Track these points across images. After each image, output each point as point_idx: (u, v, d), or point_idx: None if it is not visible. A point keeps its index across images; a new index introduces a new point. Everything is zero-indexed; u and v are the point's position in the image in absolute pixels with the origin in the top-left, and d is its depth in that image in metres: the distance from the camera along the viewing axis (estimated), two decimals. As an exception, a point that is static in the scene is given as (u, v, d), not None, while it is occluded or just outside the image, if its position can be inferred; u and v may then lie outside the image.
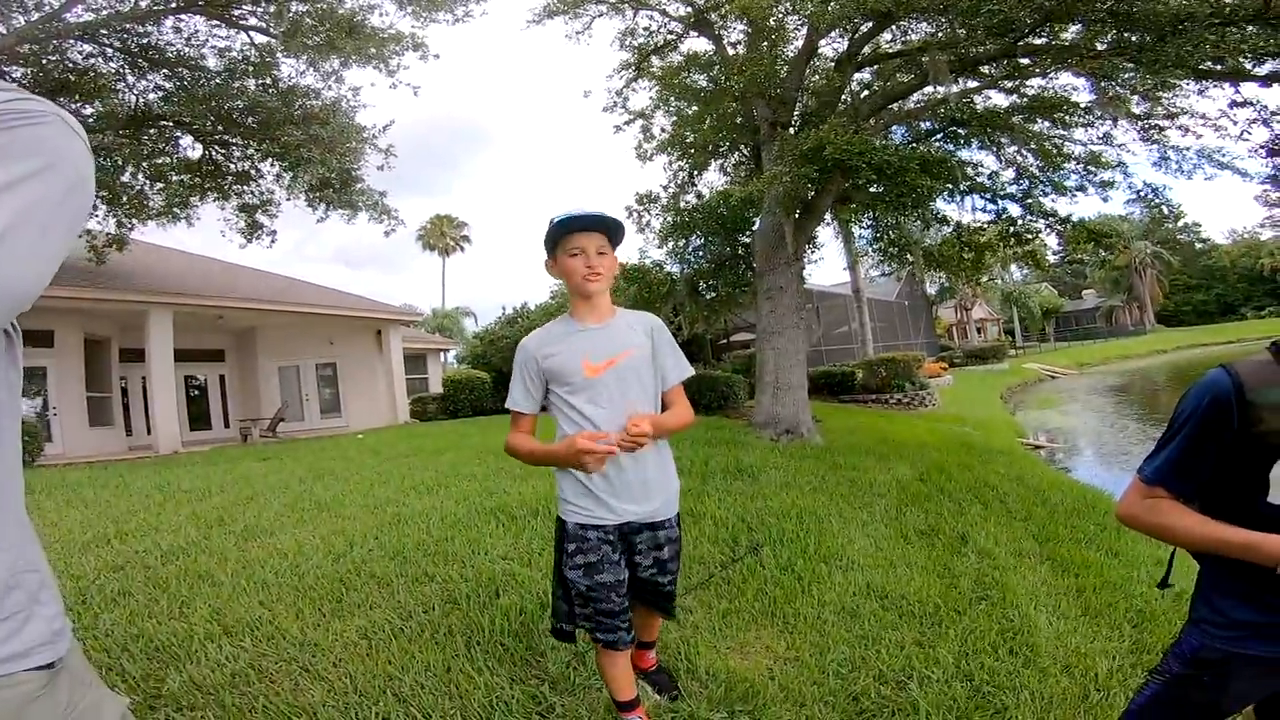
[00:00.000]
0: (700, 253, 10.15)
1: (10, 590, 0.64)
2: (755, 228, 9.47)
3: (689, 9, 9.87)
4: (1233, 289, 55.98)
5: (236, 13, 9.68)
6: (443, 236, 53.09)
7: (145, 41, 9.65)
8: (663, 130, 10.86)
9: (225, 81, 9.77)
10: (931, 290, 32.94)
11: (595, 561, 1.78)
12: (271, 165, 10.94)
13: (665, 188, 10.81)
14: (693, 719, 2.12)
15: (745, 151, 10.68)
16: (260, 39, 10.17)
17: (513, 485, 5.78)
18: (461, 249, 55.21)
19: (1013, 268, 40.23)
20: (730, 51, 9.55)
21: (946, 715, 2.14)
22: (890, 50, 9.03)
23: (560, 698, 2.27)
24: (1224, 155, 8.75)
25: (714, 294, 10.63)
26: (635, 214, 10.15)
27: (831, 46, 9.50)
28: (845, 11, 7.41)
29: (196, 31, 10.02)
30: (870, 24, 8.29)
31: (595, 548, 1.78)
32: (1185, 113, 8.60)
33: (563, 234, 1.76)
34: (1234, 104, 8.17)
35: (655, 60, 10.57)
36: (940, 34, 8.02)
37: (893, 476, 6.08)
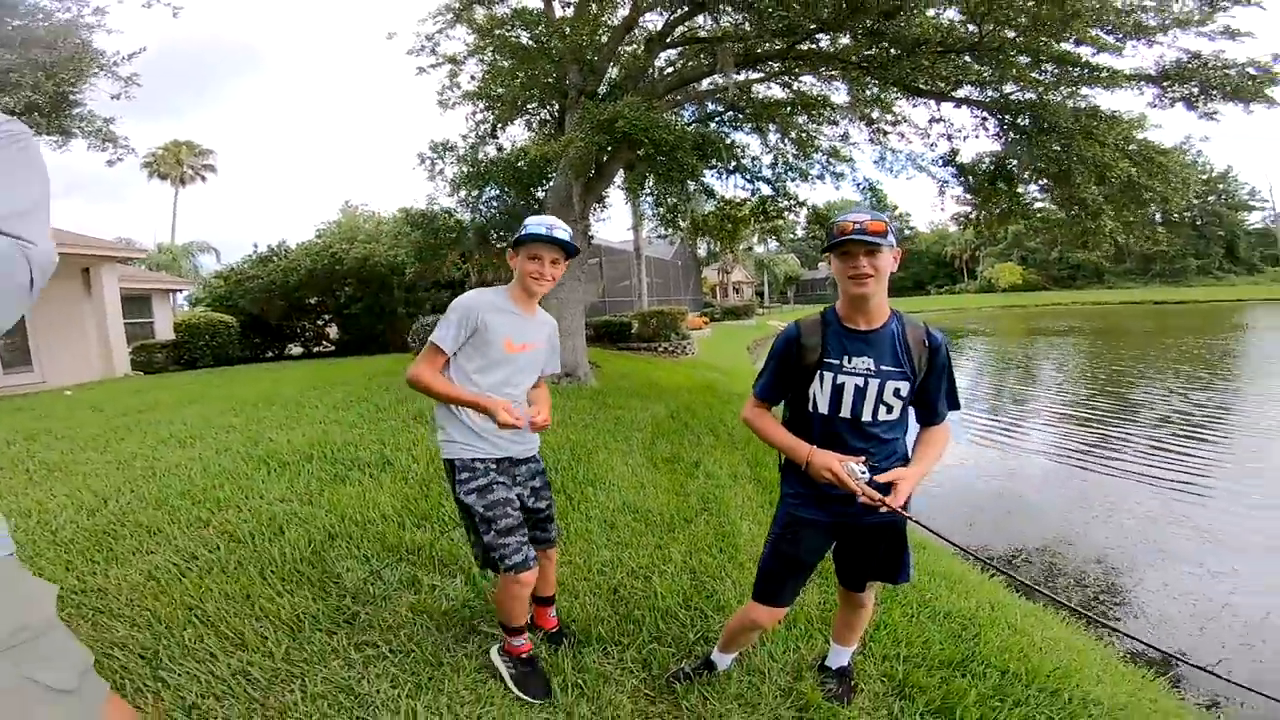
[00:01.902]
0: (494, 203, 10.18)
1: None
2: (550, 183, 9.81)
3: None
4: (924, 269, 70.18)
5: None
6: (178, 165, 44.13)
7: None
8: (472, 79, 10.50)
9: None
10: (702, 252, 36.35)
11: (485, 484, 2.08)
12: None
13: (465, 137, 10.54)
14: (488, 611, 2.59)
15: (551, 111, 10.84)
16: None
17: (279, 434, 5.70)
18: (203, 178, 46.47)
19: (768, 239, 45.82)
20: (558, 13, 9.56)
21: (676, 598, 2.84)
22: (696, 35, 9.77)
23: (362, 607, 2.62)
24: (922, 160, 11.27)
25: (504, 244, 10.82)
26: (429, 160, 9.82)
27: (650, 24, 9.95)
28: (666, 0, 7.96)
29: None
30: (686, 8, 8.96)
31: (484, 474, 2.09)
32: (905, 121, 10.81)
33: (530, 241, 2.05)
34: (932, 120, 10.54)
35: (479, 9, 10.12)
36: (737, 28, 8.94)
37: (650, 414, 7.14)
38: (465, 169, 9.51)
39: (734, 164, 10.84)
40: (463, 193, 9.60)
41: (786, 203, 11.24)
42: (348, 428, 5.80)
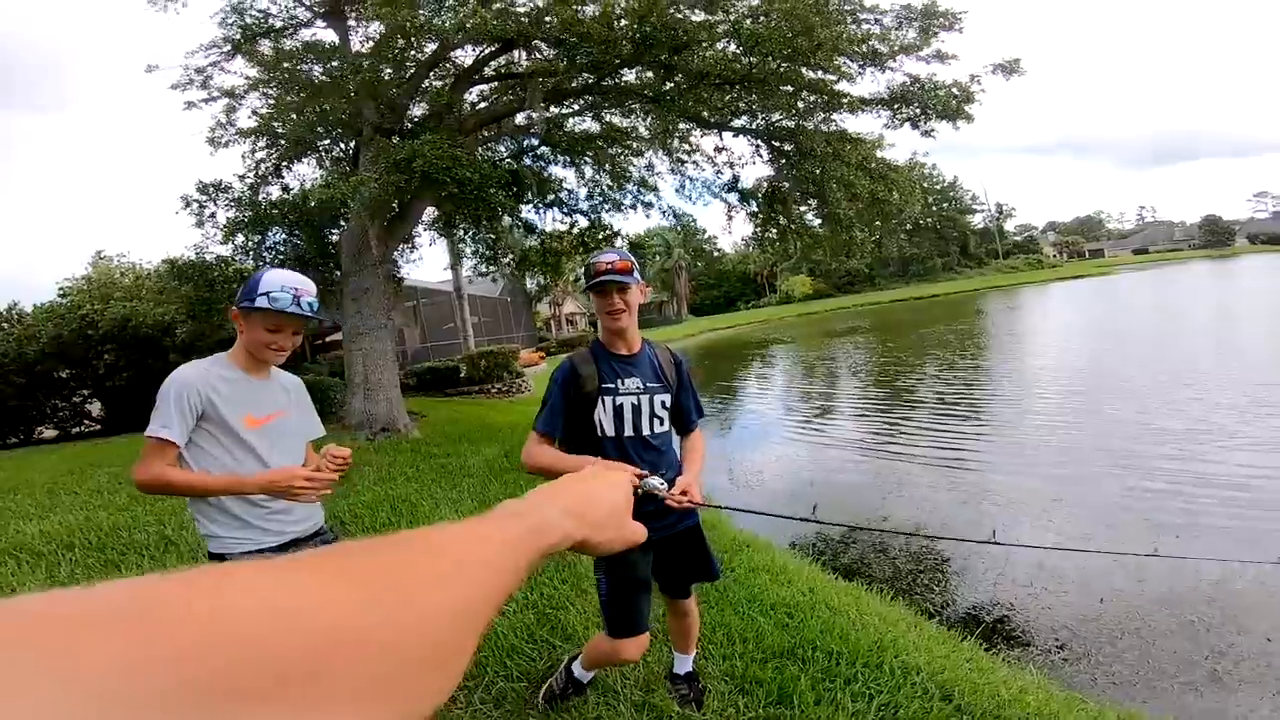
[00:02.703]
0: (281, 248, 9.19)
1: None
2: (346, 226, 9.15)
3: None
4: (734, 287, 76.39)
5: None
6: None
7: None
8: (253, 114, 9.53)
9: None
10: (532, 287, 36.19)
11: None
12: None
13: (242, 177, 9.48)
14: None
15: (345, 149, 10.13)
16: None
17: (28, 524, 4.88)
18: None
19: (591, 268, 47.11)
20: (356, 48, 9.02)
21: (520, 635, 2.77)
22: (509, 71, 9.78)
23: None
24: (714, 186, 12.30)
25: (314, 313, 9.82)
26: (195, 204, 8.62)
27: (461, 59, 9.78)
28: (474, 34, 7.84)
29: None
30: (497, 46, 8.89)
31: None
32: (697, 150, 11.79)
33: (272, 312, 1.76)
34: (717, 148, 11.58)
35: (265, 41, 9.21)
36: (548, 63, 9.08)
37: (482, 457, 6.86)
38: (243, 213, 8.51)
39: (550, 197, 11.00)
40: (240, 238, 8.57)
41: (604, 233, 11.61)
42: (116, 511, 5.02)
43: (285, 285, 1.75)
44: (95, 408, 16.66)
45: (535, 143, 11.18)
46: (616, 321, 2.01)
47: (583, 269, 2.12)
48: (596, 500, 0.54)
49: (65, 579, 3.63)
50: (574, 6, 7.97)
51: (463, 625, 0.32)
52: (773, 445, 9.03)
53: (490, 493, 5.40)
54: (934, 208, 66.48)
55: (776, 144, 10.35)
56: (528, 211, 11.51)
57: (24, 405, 15.49)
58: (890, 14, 8.95)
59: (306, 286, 1.81)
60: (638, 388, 2.03)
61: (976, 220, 75.99)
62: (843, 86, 9.23)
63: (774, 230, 11.75)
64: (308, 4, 9.50)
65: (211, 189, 8.77)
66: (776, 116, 9.98)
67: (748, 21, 8.24)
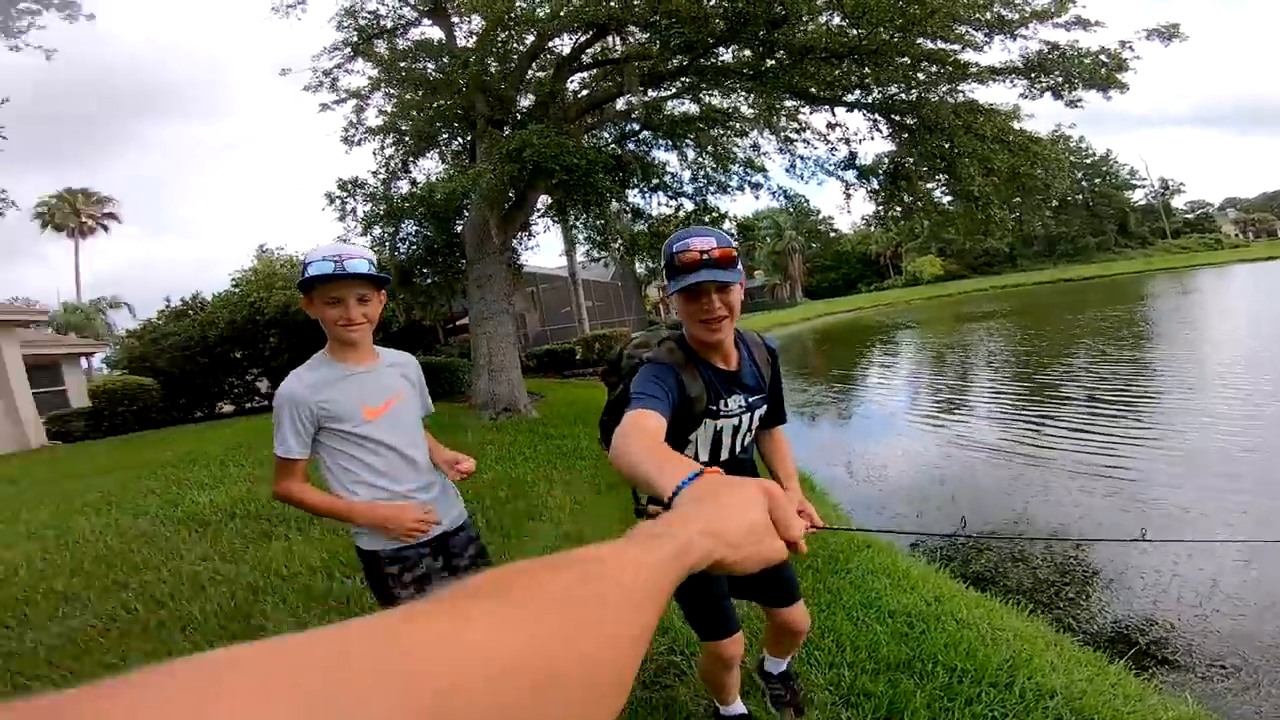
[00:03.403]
0: (413, 240, 9.93)
1: None
2: (466, 217, 9.69)
3: None
4: (853, 269, 72.85)
5: None
6: (75, 215, 41.63)
7: None
8: (380, 113, 10.29)
9: None
10: (641, 271, 36.57)
11: (424, 574, 1.82)
12: None
13: (375, 173, 10.31)
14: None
15: (464, 142, 10.68)
16: None
17: (201, 494, 5.63)
18: (104, 228, 43.98)
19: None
20: (461, 44, 9.46)
21: None
22: (605, 57, 9.91)
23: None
24: (828, 165, 11.72)
25: (429, 281, 10.53)
26: (338, 200, 9.50)
27: (560, 48, 10.02)
28: (568, 22, 8.05)
29: None
30: (592, 32, 9.03)
31: (418, 562, 1.81)
32: (807, 128, 11.28)
33: (320, 284, 1.67)
34: (829, 125, 10.99)
35: (380, 42, 9.93)
36: (642, 46, 9.12)
37: (594, 441, 7.00)
38: (378, 207, 9.25)
39: (654, 181, 10.98)
40: (376, 230, 9.33)
41: (709, 217, 11.43)
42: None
43: (326, 255, 1.68)
44: (264, 385, 18.95)
45: (636, 127, 11.16)
46: (717, 333, 1.52)
47: (664, 253, 1.58)
48: (734, 520, 0.53)
49: (224, 547, 4.10)
50: None
51: (636, 651, 0.33)
52: (897, 439, 8.46)
53: (601, 476, 5.49)
54: (1084, 183, 59.37)
55: (896, 118, 9.64)
56: (634, 196, 11.57)
57: (207, 383, 17.93)
58: None
59: (350, 250, 1.69)
60: (740, 407, 1.67)
61: (1137, 197, 67.00)
62: (968, 56, 8.42)
63: (898, 208, 11.02)
64: (412, 3, 9.98)
65: (350, 185, 9.60)
66: (894, 89, 9.28)
67: None
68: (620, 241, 12.20)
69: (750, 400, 1.69)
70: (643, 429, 1.22)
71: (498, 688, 0.24)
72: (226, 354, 17.39)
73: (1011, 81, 8.93)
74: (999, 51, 8.80)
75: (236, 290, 17.19)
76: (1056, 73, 8.40)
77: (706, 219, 11.42)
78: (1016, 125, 9.21)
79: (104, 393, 15.20)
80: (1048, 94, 8.68)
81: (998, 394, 10.65)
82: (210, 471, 6.76)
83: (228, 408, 19.00)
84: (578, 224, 12.22)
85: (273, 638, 0.21)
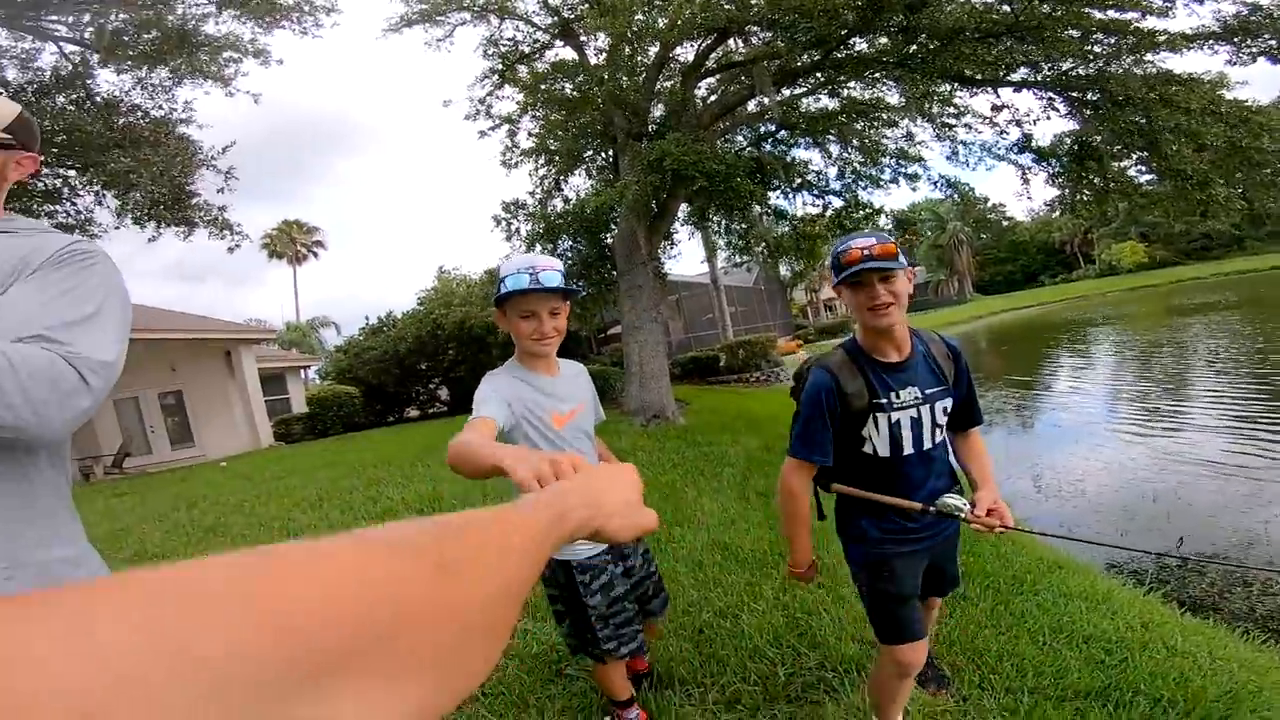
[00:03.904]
0: (569, 254, 10.57)
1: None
2: (615, 230, 10.12)
3: (555, 19, 10.17)
4: (1033, 260, 65.26)
5: (45, 23, 8.71)
6: (292, 243, 49.49)
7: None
8: (529, 135, 11.03)
9: (32, 97, 8.73)
10: (786, 274, 35.69)
11: (608, 581, 1.90)
12: (91, 184, 9.94)
13: (532, 193, 11.05)
14: (569, 655, 2.63)
15: (606, 157, 11.18)
16: (71, 49, 9.16)
17: (395, 492, 6.26)
18: (314, 255, 51.81)
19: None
20: (594, 60, 9.94)
21: (766, 636, 2.70)
22: (730, 60, 9.89)
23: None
24: (998, 149, 10.65)
25: (584, 293, 11.13)
26: (504, 222, 10.39)
27: (683, 57, 10.18)
28: (686, 30, 8.19)
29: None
30: (713, 37, 9.12)
31: (603, 569, 1.90)
32: (968, 111, 10.37)
33: (518, 297, 1.72)
34: (994, 107, 10.00)
35: (521, 68, 10.70)
36: (769, 45, 8.97)
37: (741, 448, 6.97)
38: (538, 225, 9.95)
39: (797, 181, 10.68)
40: (538, 248, 10.04)
41: (862, 212, 10.88)
42: (456, 484, 6.17)
43: (520, 267, 1.71)
44: (444, 393, 21.11)
45: (773, 128, 10.91)
46: (885, 317, 1.63)
47: (829, 259, 1.72)
48: (611, 493, 0.59)
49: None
50: None
51: (511, 602, 0.35)
52: (1096, 450, 7.41)
53: (750, 484, 5.45)
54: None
55: (1075, 95, 8.51)
56: (776, 197, 11.29)
57: (399, 391, 20.37)
58: None
59: (543, 263, 1.73)
60: (915, 398, 1.70)
61: None
62: (1150, 23, 7.26)
63: (1087, 192, 9.71)
64: (544, 26, 10.50)
65: (512, 206, 10.43)
66: (1068, 64, 8.21)
67: None
68: (764, 245, 12.03)
69: (927, 393, 1.71)
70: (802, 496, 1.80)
71: (345, 613, 0.24)
72: (414, 365, 19.61)
73: (1212, 48, 7.60)
74: (1186, 16, 7.45)
75: (421, 308, 19.33)
76: (1267, 35, 7.04)
77: (859, 214, 10.90)
78: (1228, 95, 7.78)
79: (317, 400, 17.83)
80: (1261, 58, 7.30)
81: (1221, 399, 8.98)
82: (402, 472, 7.57)
83: (413, 413, 21.41)
84: (719, 230, 12.26)
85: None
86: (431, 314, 18.50)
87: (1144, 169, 9.21)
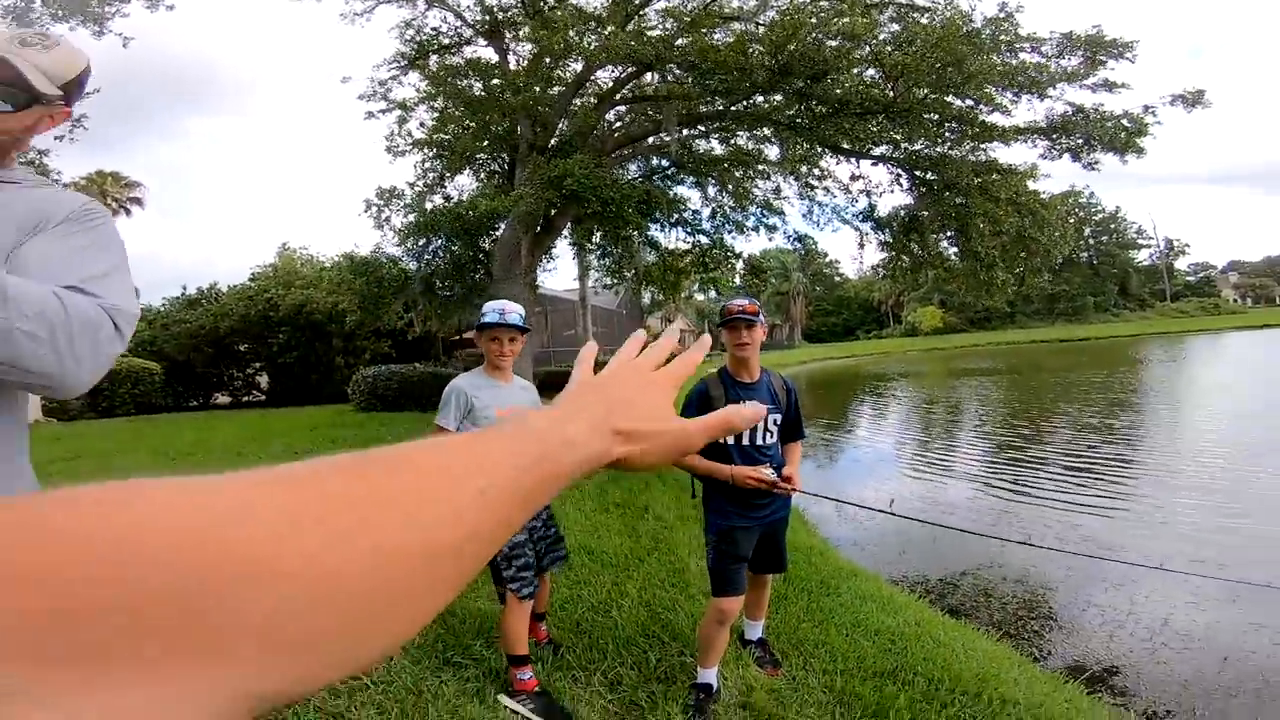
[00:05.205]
0: (440, 253, 10.32)
1: None
2: (497, 234, 10.07)
3: (486, 17, 10.10)
4: (854, 315, 73.81)
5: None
6: (102, 196, 42.12)
7: None
8: (421, 126, 10.78)
9: None
10: (646, 301, 37.13)
11: (525, 562, 2.46)
12: None
13: (412, 185, 10.75)
14: (459, 645, 2.79)
15: (500, 163, 11.15)
16: None
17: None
18: (126, 211, 44.37)
19: (708, 288, 47.44)
20: (514, 67, 9.95)
21: (635, 628, 3.06)
22: (643, 94, 10.40)
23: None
24: (846, 213, 12.16)
25: (450, 294, 10.89)
26: (375, 208, 9.92)
27: (602, 81, 10.54)
28: (616, 56, 8.55)
29: None
30: (635, 67, 9.58)
31: (523, 551, 2.46)
32: (829, 176, 11.73)
33: (488, 327, 2.45)
34: (853, 176, 11.48)
35: (434, 58, 10.49)
36: (681, 86, 9.60)
37: (601, 461, 7.29)
38: (413, 218, 9.66)
39: (675, 217, 11.45)
40: (410, 242, 9.73)
41: (725, 254, 11.84)
42: None
43: (493, 308, 2.48)
44: (263, 380, 19.16)
45: (665, 164, 11.66)
46: (743, 352, 2.50)
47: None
48: (634, 406, 0.43)
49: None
50: (706, 33, 8.27)
51: (425, 567, 0.26)
52: (881, 482, 8.82)
53: (607, 495, 5.81)
54: (1090, 241, 60.53)
55: (919, 173, 10.13)
56: (655, 230, 12.02)
57: (208, 373, 18.16)
58: (1050, 42, 8.55)
59: (510, 306, 2.51)
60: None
61: (1142, 257, 68.19)
62: (995, 118, 8.91)
63: (906, 259, 11.44)
64: (470, 22, 10.46)
65: (387, 195, 10.02)
66: (920, 145, 9.79)
67: (889, 49, 8.20)
68: (634, 272, 12.65)
69: (766, 407, 2.39)
70: None
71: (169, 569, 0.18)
72: (233, 346, 17.63)
73: (1033, 141, 9.37)
74: (1025, 111, 9.21)
75: (253, 284, 17.54)
76: (1078, 134, 8.81)
77: (721, 256, 11.86)
78: (1031, 184, 9.56)
79: (109, 374, 15.37)
80: (1066, 155, 9.12)
81: (980, 445, 11.00)
82: (225, 461, 6.92)
83: (223, 399, 19.15)
84: (596, 251, 12.68)
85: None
86: (266, 292, 16.88)
87: (952, 246, 11.09)
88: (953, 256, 11.18)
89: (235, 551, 0.20)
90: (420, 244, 9.84)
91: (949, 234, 10.57)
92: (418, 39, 10.32)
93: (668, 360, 0.54)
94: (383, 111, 10.78)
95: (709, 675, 2.53)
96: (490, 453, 0.32)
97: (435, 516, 0.28)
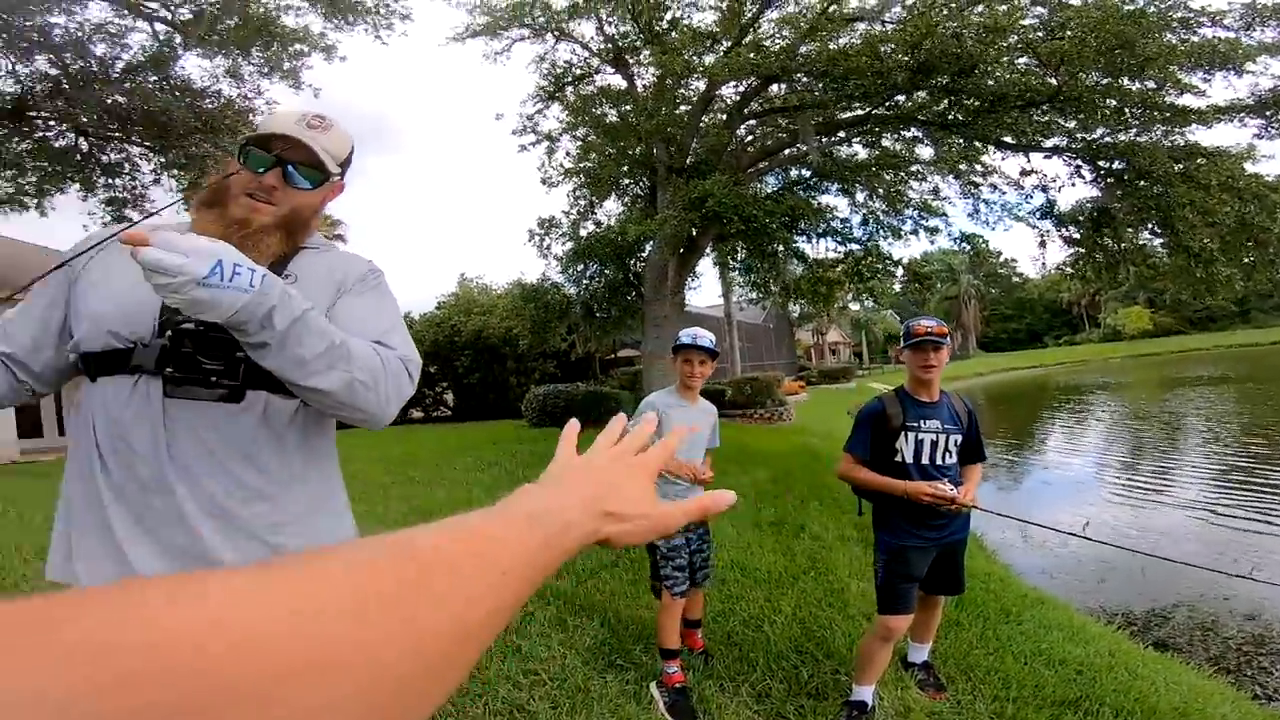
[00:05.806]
0: (596, 278, 10.96)
1: None
2: (646, 257, 10.54)
3: (608, 45, 10.60)
4: (1039, 319, 65.83)
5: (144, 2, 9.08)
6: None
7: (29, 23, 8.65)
8: (568, 155, 11.39)
9: (120, 74, 9.06)
10: (795, 314, 36.13)
11: (683, 563, 2.69)
12: (150, 161, 10.27)
13: (567, 213, 11.40)
14: (622, 649, 3.02)
15: (642, 187, 11.55)
16: (161, 28, 9.50)
17: (428, 492, 6.56)
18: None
19: (865, 298, 44.94)
20: (641, 91, 10.35)
21: (787, 644, 3.09)
22: (772, 105, 10.31)
23: (523, 641, 3.05)
24: (1019, 210, 11.03)
25: (606, 316, 11.46)
26: (536, 237, 10.83)
27: (726, 98, 10.56)
28: (737, 71, 8.62)
29: (89, 19, 9.16)
30: (758, 81, 9.55)
31: (681, 552, 2.69)
32: (995, 172, 10.67)
33: (683, 349, 2.70)
34: (1023, 171, 10.44)
35: (569, 89, 11.10)
36: (815, 95, 9.42)
37: (751, 479, 7.31)
38: (571, 245, 10.32)
39: (823, 226, 11.06)
40: (570, 268, 10.42)
41: (879, 261, 11.20)
42: (486, 489, 6.50)
43: (687, 333, 2.74)
44: (449, 398, 21.40)
45: (807, 173, 11.30)
46: (928, 375, 2.46)
47: (901, 329, 2.62)
48: (620, 490, 0.48)
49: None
50: (828, 37, 7.95)
51: (457, 647, 0.30)
52: (1077, 506, 7.83)
53: (761, 513, 5.78)
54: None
55: (1104, 164, 8.99)
56: (799, 240, 11.68)
57: (405, 392, 20.67)
58: (1233, 14, 7.30)
59: (701, 332, 2.75)
60: (936, 429, 2.48)
61: None
62: (1187, 100, 7.72)
63: (1099, 256, 10.12)
64: (595, 51, 10.85)
65: (547, 223, 10.86)
66: (1100, 134, 8.71)
67: (1039, 34, 7.42)
68: (781, 286, 12.44)
69: (945, 427, 2.49)
70: (856, 465, 2.55)
71: (228, 670, 0.20)
72: (425, 368, 19.89)
73: (1242, 121, 8.05)
74: (1223, 90, 7.92)
75: (439, 312, 19.70)
76: None
77: (877, 265, 11.23)
78: (1250, 168, 8.19)
79: (333, 395, 18.04)
80: None
81: (1203, 469, 9.35)
82: (430, 472, 7.82)
83: (416, 414, 21.67)
84: (739, 269, 12.65)
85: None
86: (450, 320, 18.90)
87: (1155, 239, 9.63)
88: (1158, 250, 9.72)
89: (308, 651, 0.23)
90: (579, 270, 10.54)
91: (1149, 226, 9.20)
92: (553, 72, 10.89)
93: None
94: (533, 144, 11.42)
95: (865, 693, 2.49)
96: (508, 540, 0.37)
97: (467, 598, 0.31)
